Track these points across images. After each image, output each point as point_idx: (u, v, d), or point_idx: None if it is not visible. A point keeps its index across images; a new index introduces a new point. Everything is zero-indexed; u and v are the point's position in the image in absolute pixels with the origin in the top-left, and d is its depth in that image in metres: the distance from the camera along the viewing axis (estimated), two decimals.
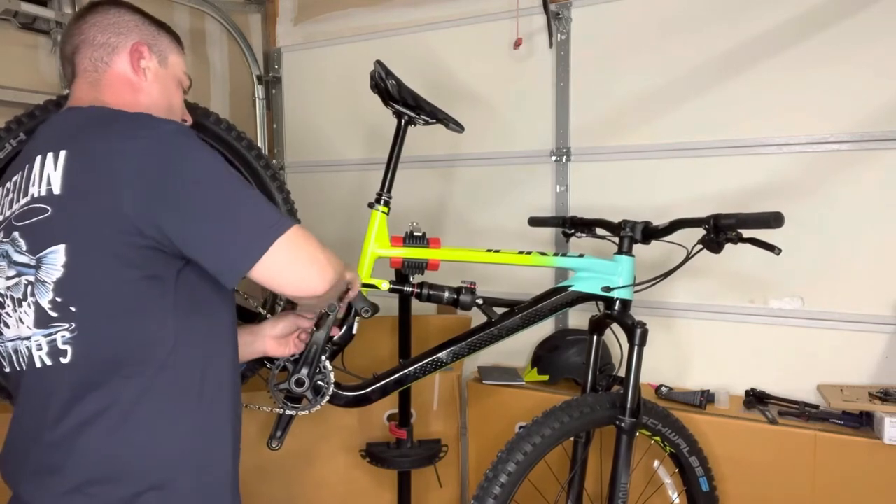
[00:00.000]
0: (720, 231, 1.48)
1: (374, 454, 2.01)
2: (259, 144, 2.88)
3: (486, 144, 2.51)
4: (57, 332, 0.99)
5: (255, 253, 0.99)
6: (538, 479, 1.69)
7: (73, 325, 0.99)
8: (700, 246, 1.54)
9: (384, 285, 1.64)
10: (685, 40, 2.19)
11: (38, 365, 1.01)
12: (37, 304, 1.00)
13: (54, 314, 0.99)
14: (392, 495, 2.13)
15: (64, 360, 1.00)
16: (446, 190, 2.62)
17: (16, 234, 1.03)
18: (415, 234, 1.67)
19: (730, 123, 2.14)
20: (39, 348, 1.01)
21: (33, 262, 1.00)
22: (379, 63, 1.64)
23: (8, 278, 1.04)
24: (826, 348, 2.04)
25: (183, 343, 1.04)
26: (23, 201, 1.03)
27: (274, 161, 2.87)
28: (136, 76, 1.17)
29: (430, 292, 1.63)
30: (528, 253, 1.67)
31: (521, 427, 1.72)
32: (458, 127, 1.75)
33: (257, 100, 2.92)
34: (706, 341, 2.21)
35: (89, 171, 0.98)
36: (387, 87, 1.63)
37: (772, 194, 2.08)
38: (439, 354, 1.62)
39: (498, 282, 2.31)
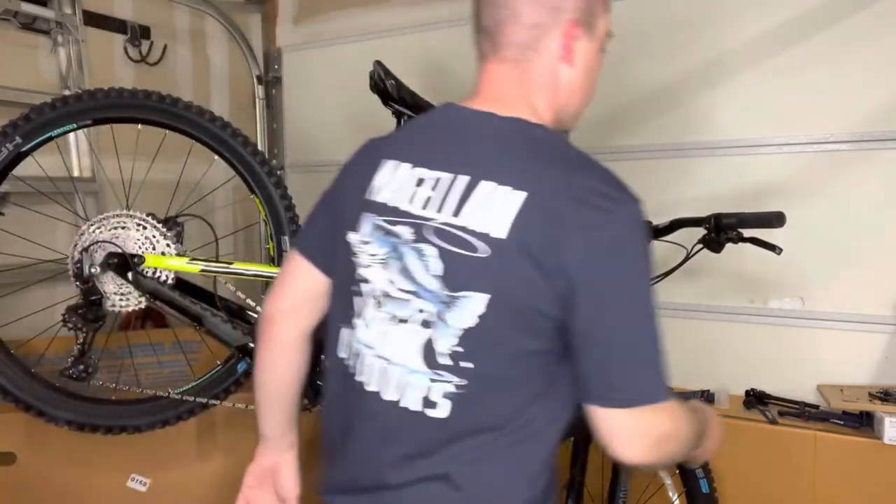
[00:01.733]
0: (721, 230, 1.48)
1: None
2: (259, 144, 2.88)
3: None
4: (439, 382, 0.89)
5: (641, 399, 0.87)
6: None
7: (464, 383, 0.88)
8: (700, 245, 1.53)
9: None
10: (686, 40, 2.19)
11: (402, 404, 0.91)
12: (428, 342, 0.89)
13: (447, 362, 0.88)
14: None
15: (431, 413, 0.89)
16: None
17: (425, 247, 0.89)
18: None
19: (730, 123, 2.13)
20: (412, 387, 0.90)
21: (444, 297, 0.88)
22: (378, 63, 1.64)
23: (400, 288, 0.91)
24: (826, 348, 2.03)
25: (542, 416, 0.93)
26: (449, 220, 0.88)
27: (274, 161, 2.87)
28: (566, 65, 0.96)
29: None
30: None
31: None
32: None
33: (257, 100, 2.92)
34: (706, 341, 2.20)
35: (540, 229, 0.84)
36: (386, 87, 1.63)
37: (772, 194, 2.07)
38: None
39: None
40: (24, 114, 1.52)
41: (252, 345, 1.61)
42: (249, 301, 1.66)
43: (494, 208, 0.86)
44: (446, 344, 0.88)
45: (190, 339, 1.93)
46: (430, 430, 0.90)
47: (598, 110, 2.30)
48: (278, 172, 1.70)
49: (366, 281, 0.95)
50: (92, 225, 1.57)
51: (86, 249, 1.53)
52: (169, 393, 1.63)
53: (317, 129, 2.85)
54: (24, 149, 1.52)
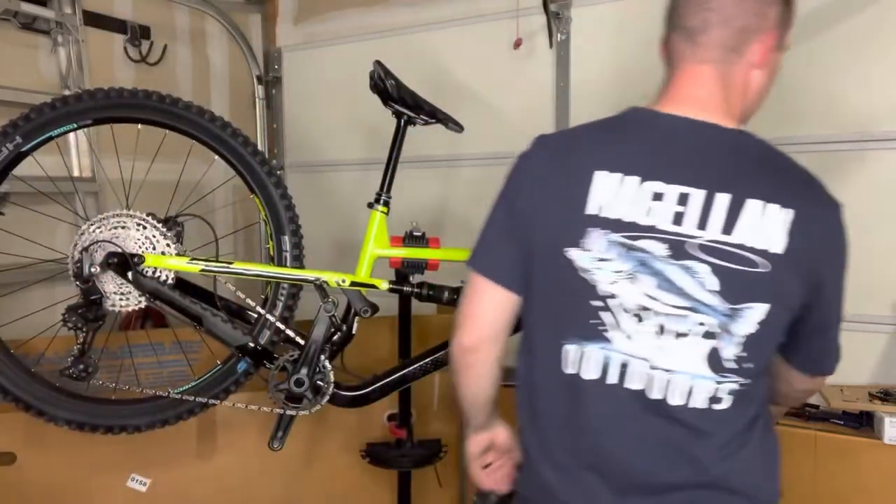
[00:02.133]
0: None
1: (374, 454, 2.01)
2: (259, 144, 2.88)
3: (486, 144, 2.50)
4: (725, 383, 0.97)
5: (837, 364, 1.11)
6: None
7: (748, 382, 0.98)
8: None
9: (384, 285, 1.64)
10: None
11: (690, 405, 0.98)
12: (713, 351, 0.96)
13: (732, 366, 0.97)
14: (392, 495, 2.12)
15: (717, 406, 0.98)
16: (446, 190, 2.62)
17: (694, 264, 0.94)
18: (414, 233, 1.67)
19: None
20: (698, 390, 0.97)
21: (726, 311, 0.95)
22: (378, 63, 1.64)
23: (669, 304, 0.96)
24: None
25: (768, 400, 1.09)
26: (720, 237, 0.94)
27: (274, 161, 2.87)
28: (759, 71, 1.01)
29: (430, 292, 1.63)
30: None
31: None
32: (458, 127, 1.75)
33: (257, 100, 2.92)
34: None
35: (805, 242, 0.94)
36: (386, 87, 1.63)
37: None
38: (439, 354, 1.62)
39: None
40: (24, 114, 1.53)
41: (252, 344, 1.61)
42: (249, 301, 1.66)
43: (768, 226, 0.93)
44: (731, 351, 0.96)
45: (190, 339, 1.93)
46: (717, 424, 0.99)
47: (599, 111, 2.31)
48: (278, 172, 1.70)
49: (612, 296, 0.98)
50: (92, 225, 1.57)
51: (86, 249, 1.53)
52: (169, 393, 1.63)
53: (317, 129, 2.85)
54: (24, 149, 1.53)
